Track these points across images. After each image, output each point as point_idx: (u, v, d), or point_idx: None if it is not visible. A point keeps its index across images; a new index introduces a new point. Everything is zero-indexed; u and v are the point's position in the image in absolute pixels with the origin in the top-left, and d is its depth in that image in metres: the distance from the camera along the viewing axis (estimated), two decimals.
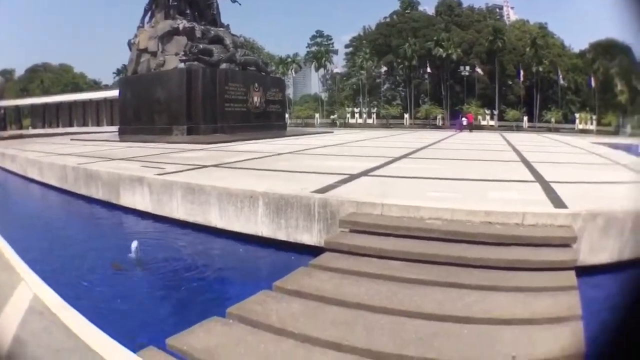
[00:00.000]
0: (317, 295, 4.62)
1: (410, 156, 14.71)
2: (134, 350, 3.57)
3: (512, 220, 6.15)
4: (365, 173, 9.96)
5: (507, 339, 3.94)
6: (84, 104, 66.39)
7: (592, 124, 56.20)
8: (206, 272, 6.34)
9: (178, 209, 8.48)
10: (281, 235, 6.96)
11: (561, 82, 66.59)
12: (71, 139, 27.44)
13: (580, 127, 55.85)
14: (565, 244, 5.82)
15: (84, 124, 63.36)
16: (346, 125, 64.37)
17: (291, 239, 6.89)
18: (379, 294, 4.70)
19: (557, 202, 6.84)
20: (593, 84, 60.68)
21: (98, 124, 60.76)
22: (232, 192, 7.59)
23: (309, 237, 6.71)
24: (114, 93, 41.15)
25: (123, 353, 3.40)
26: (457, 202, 6.72)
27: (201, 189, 8.13)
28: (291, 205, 6.85)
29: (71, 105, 68.11)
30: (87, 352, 3.34)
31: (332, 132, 38.51)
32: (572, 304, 4.48)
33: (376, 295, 4.66)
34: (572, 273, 5.21)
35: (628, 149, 21.90)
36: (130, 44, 31.45)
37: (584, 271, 5.50)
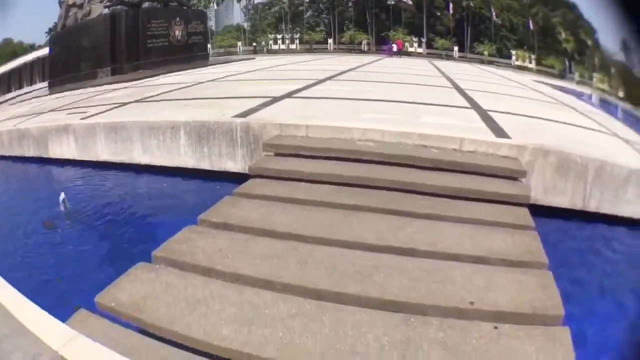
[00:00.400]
0: (245, 226, 4.21)
1: (335, 78, 14.08)
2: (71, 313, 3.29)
3: (449, 145, 5.85)
4: (289, 95, 9.43)
5: (458, 280, 3.63)
6: (20, 70, 63.06)
7: (531, 62, 55.48)
8: (134, 214, 5.95)
9: (103, 151, 7.93)
10: (205, 165, 6.58)
11: (494, 18, 66.31)
12: (8, 105, 26.08)
13: (518, 63, 54.93)
14: (512, 176, 5.52)
15: (20, 87, 60.29)
16: (269, 52, 63.15)
17: (215, 168, 6.52)
18: (312, 222, 4.33)
19: (499, 131, 6.52)
20: (532, 26, 60.27)
21: (32, 84, 57.89)
22: (154, 125, 7.09)
23: (233, 164, 6.35)
24: (46, 51, 39.64)
25: (54, 326, 3.08)
26: (389, 124, 6.33)
27: (123, 127, 7.60)
28: (213, 133, 6.45)
29: (10, 74, 64.60)
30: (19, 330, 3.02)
31: (254, 58, 37.19)
32: (533, 248, 4.15)
33: (309, 224, 4.29)
34: (526, 210, 4.91)
35: (579, 95, 21.55)
36: (60, 2, 30.13)
37: (541, 214, 5.18)
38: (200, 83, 13.70)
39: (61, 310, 3.29)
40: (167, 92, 12.00)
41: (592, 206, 5.70)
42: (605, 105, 22.05)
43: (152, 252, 3.80)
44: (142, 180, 7.12)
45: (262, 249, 3.85)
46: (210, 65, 26.85)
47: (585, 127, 8.66)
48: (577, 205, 5.71)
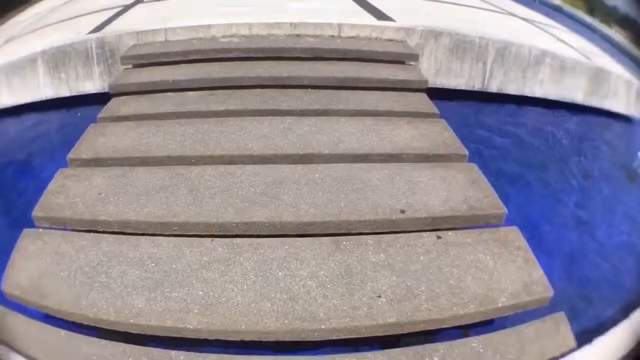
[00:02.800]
0: (119, 157, 3.60)
1: None
2: None
3: (326, 32, 5.38)
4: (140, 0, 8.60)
5: (378, 185, 3.29)
6: None
7: None
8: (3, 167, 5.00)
9: None
10: (64, 91, 5.64)
11: None
12: None
13: None
14: (402, 60, 5.17)
15: None
16: None
17: (74, 92, 5.62)
18: (189, 138, 3.78)
19: (380, 15, 6.08)
20: None
21: None
22: (16, 63, 6.22)
23: (91, 84, 5.55)
24: None
25: None
26: (254, 15, 5.73)
27: None
28: (69, 55, 5.53)
29: None
30: None
31: None
32: (446, 138, 3.86)
33: (187, 141, 3.74)
34: (425, 96, 4.63)
35: None
36: None
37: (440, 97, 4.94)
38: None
39: None
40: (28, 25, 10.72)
41: (494, 87, 5.58)
42: None
43: (33, 213, 3.11)
44: (7, 125, 6.25)
45: (145, 182, 3.30)
46: None
47: (493, 10, 8.29)
48: (476, 86, 5.55)
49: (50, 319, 2.61)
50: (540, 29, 7.39)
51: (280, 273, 2.67)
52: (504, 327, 2.63)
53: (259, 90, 4.55)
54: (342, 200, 3.12)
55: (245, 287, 2.58)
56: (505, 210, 3.16)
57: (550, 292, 2.67)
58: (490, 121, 5.58)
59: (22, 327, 2.53)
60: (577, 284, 3.65)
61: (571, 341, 2.54)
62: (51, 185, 3.33)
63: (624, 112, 6.15)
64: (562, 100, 5.74)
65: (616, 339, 2.52)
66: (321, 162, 3.57)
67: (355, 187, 3.25)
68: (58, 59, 5.65)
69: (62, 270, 2.70)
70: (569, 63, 5.66)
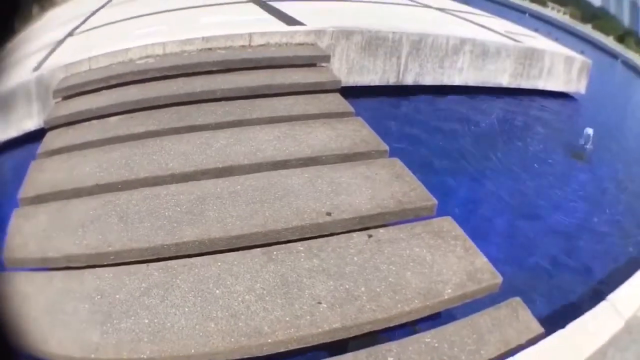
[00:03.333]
0: (56, 192, 3.74)
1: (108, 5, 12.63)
2: None
3: (237, 43, 5.57)
4: (70, 33, 8.42)
5: (300, 190, 3.43)
6: None
7: None
8: None
9: None
10: (12, 132, 5.65)
11: None
12: None
13: None
14: (313, 63, 5.37)
15: None
16: None
17: (20, 132, 5.66)
18: (114, 164, 3.89)
19: (290, 20, 6.23)
20: None
21: None
22: None
23: (31, 122, 5.63)
24: None
25: None
26: (166, 34, 5.88)
27: None
28: (14, 94, 5.56)
29: None
30: None
31: None
32: (365, 136, 4.02)
33: (112, 167, 3.86)
34: (339, 96, 4.76)
35: None
36: None
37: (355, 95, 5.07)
38: None
39: None
40: None
41: (410, 80, 5.77)
42: None
43: (2, 256, 3.23)
44: None
45: (79, 214, 3.42)
46: None
47: (407, 5, 8.41)
48: (390, 81, 5.73)
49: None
50: (460, 17, 7.57)
51: (217, 291, 2.76)
52: (455, 319, 2.68)
53: (175, 108, 4.69)
54: (267, 210, 3.25)
55: (186, 309, 2.66)
56: (435, 201, 3.27)
57: (498, 279, 2.79)
58: (410, 113, 5.72)
59: None
60: (530, 269, 3.72)
61: (536, 326, 2.62)
62: (10, 227, 3.48)
63: (563, 89, 6.42)
64: (485, 85, 5.95)
65: (593, 323, 2.60)
66: (241, 174, 3.69)
67: (278, 195, 3.39)
68: (2, 99, 5.75)
69: (29, 311, 2.80)
70: (492, 47, 5.83)
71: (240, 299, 2.68)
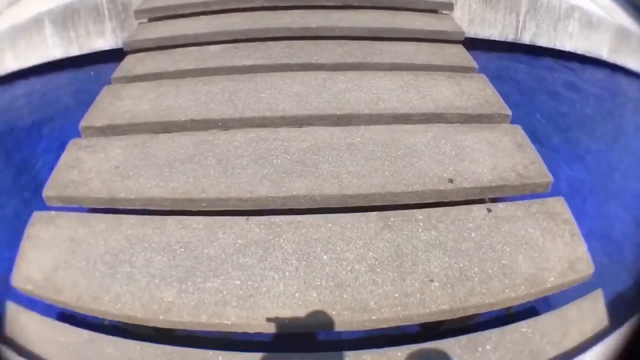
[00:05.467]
0: (137, 123, 3.20)
1: None
2: None
3: None
4: None
5: (424, 150, 2.97)
6: None
7: None
8: (10, 138, 4.50)
9: None
10: (74, 50, 5.27)
11: None
12: None
13: None
14: (435, 9, 4.77)
15: None
16: None
17: (85, 51, 5.24)
18: (215, 99, 3.37)
19: None
20: None
21: None
22: (20, 26, 5.84)
23: (104, 41, 5.19)
24: None
25: None
26: None
27: None
28: (78, 13, 5.11)
29: None
30: None
31: None
32: (489, 96, 3.53)
33: (212, 102, 3.33)
34: (463, 49, 4.24)
35: None
36: None
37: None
38: None
39: None
40: None
41: (527, 39, 5.34)
42: None
43: (43, 192, 2.74)
44: (13, 91, 5.76)
45: (167, 151, 2.93)
46: None
47: None
48: (509, 37, 5.29)
49: (67, 316, 2.35)
50: None
51: (325, 256, 2.38)
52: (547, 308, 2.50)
53: (287, 42, 4.15)
54: (387, 168, 2.81)
55: (287, 274, 2.30)
56: (551, 178, 2.90)
57: (591, 269, 2.48)
58: (524, 77, 5.35)
59: (37, 326, 2.25)
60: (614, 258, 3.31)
61: (605, 321, 2.39)
62: (63, 159, 2.94)
63: None
64: (589, 55, 5.53)
65: None
66: (360, 124, 3.22)
67: (399, 153, 2.93)
68: (67, 16, 5.22)
69: (79, 260, 2.37)
70: (594, 19, 5.40)
71: (349, 267, 2.34)
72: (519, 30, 5.34)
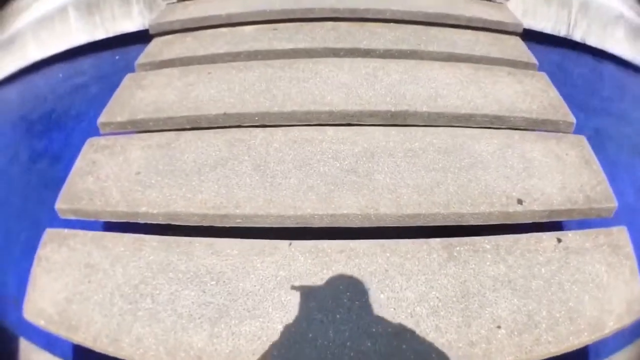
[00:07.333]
0: (162, 118, 2.81)
1: None
2: None
3: None
4: None
5: (490, 161, 2.58)
6: None
7: None
8: (28, 132, 4.09)
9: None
10: (100, 34, 4.84)
11: None
12: None
13: None
14: None
15: None
16: None
17: (111, 33, 4.79)
18: (251, 88, 2.97)
19: None
20: None
21: None
22: (43, 16, 5.41)
23: (130, 23, 4.72)
24: None
25: None
26: None
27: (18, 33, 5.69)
28: None
29: None
30: None
31: None
32: (553, 99, 3.12)
33: (247, 92, 2.93)
34: (521, 42, 3.89)
35: None
36: None
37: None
38: None
39: None
40: None
41: (578, 36, 4.94)
42: None
43: (56, 204, 2.40)
44: (36, 82, 5.42)
45: (196, 154, 2.56)
46: None
47: None
48: (562, 32, 4.90)
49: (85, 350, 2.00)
50: None
51: (382, 296, 2.02)
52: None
53: (332, 23, 3.73)
54: (451, 183, 2.42)
55: (338, 317, 1.94)
56: (616, 203, 2.52)
57: None
58: (581, 78, 4.93)
59: None
60: None
61: None
62: (78, 163, 2.57)
63: None
64: (635, 62, 5.11)
65: None
66: (418, 123, 2.82)
67: (464, 163, 2.54)
68: (91, 1, 4.80)
69: (95, 292, 2.03)
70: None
71: (409, 310, 1.99)
72: (571, 27, 5.09)
